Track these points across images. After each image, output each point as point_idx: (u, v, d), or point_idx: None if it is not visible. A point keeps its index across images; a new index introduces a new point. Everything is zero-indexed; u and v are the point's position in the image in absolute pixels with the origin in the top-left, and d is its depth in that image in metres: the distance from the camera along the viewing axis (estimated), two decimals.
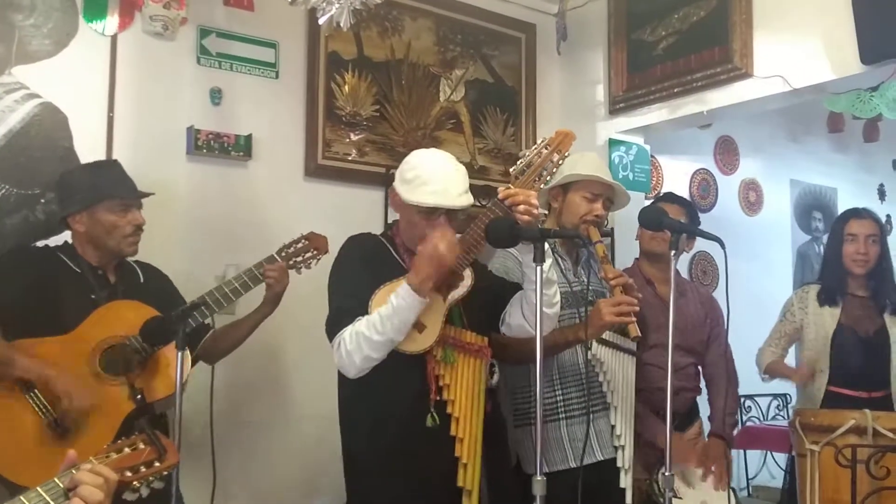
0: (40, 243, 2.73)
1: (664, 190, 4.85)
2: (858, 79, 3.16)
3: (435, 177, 2.27)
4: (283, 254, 2.65)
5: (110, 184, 2.49)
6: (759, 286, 4.81)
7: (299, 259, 2.67)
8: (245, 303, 2.67)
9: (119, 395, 2.34)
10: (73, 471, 1.42)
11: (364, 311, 2.20)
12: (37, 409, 2.28)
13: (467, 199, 2.30)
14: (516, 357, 2.55)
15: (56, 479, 1.40)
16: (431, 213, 2.26)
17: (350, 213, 3.41)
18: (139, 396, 2.34)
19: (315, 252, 2.70)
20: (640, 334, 2.47)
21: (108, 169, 2.58)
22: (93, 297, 2.45)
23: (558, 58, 4.15)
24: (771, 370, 3.38)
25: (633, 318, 2.45)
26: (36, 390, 2.29)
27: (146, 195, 2.57)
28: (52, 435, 2.27)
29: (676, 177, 5.23)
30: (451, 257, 2.15)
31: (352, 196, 3.48)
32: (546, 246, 2.14)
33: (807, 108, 5.48)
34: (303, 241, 2.70)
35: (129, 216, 2.48)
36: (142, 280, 2.60)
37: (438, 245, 2.13)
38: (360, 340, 2.17)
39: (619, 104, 3.90)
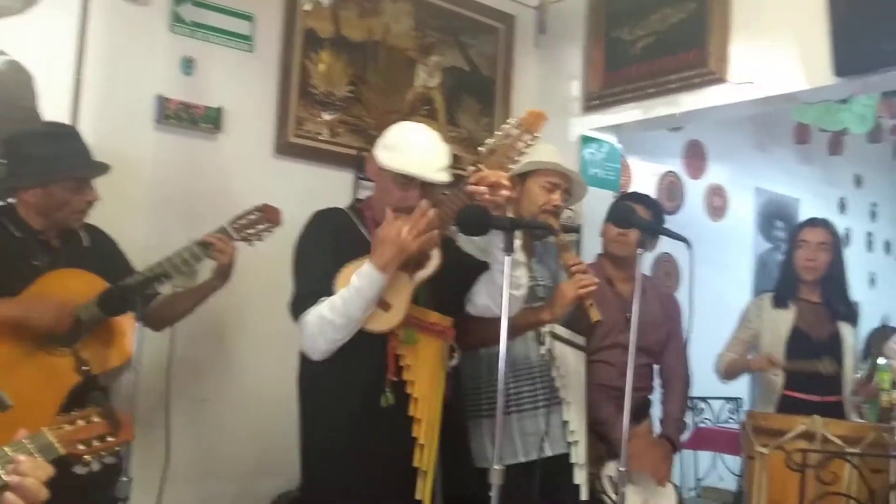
0: None
1: (632, 190, 4.88)
2: (830, 90, 3.21)
3: (417, 147, 2.29)
4: (236, 225, 2.54)
5: (68, 159, 2.35)
6: (719, 290, 4.87)
7: (251, 231, 2.56)
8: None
9: (64, 367, 2.27)
10: (24, 440, 1.39)
11: (329, 290, 2.18)
12: None
13: (445, 176, 2.30)
14: (477, 340, 2.51)
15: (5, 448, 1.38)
16: (407, 184, 2.26)
17: (319, 193, 3.32)
18: (85, 368, 2.28)
19: (268, 224, 2.60)
20: (600, 318, 2.47)
21: (66, 140, 2.42)
22: (35, 263, 2.34)
23: (536, 51, 4.15)
24: (731, 367, 3.47)
25: (592, 300, 2.47)
26: None
27: (105, 171, 2.43)
28: None
29: (645, 177, 5.28)
30: (415, 245, 2.14)
31: (321, 176, 3.44)
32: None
33: (775, 117, 5.57)
34: (255, 212, 2.58)
35: (83, 193, 2.38)
36: (85, 244, 2.48)
37: (402, 230, 2.12)
38: (323, 324, 2.15)
39: (594, 101, 3.90)
